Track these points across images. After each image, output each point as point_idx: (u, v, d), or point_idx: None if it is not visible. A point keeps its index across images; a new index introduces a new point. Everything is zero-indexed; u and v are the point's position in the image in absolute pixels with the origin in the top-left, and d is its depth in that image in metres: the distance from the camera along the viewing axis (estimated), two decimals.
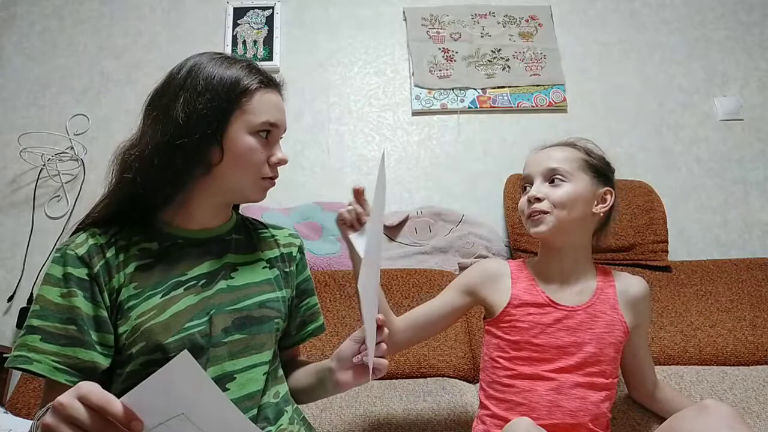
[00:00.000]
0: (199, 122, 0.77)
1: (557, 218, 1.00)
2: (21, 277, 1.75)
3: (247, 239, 0.91)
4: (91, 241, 0.78)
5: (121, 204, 0.81)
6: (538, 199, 1.01)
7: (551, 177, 1.02)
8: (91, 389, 0.52)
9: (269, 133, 0.83)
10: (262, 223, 0.98)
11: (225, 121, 0.79)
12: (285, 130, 0.88)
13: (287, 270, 0.93)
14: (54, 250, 0.78)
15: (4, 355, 1.62)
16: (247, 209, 1.50)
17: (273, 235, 0.96)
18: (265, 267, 0.89)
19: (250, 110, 0.80)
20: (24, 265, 1.76)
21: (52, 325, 0.72)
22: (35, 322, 0.72)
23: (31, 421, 1.15)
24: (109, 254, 0.77)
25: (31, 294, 1.72)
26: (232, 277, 0.84)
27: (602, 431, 0.98)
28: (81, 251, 0.76)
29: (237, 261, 0.86)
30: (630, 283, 1.06)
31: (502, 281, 1.06)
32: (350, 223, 0.90)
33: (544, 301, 1.01)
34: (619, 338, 1.01)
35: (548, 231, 1.00)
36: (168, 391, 0.52)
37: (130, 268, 0.78)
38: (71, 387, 0.66)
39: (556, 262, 1.05)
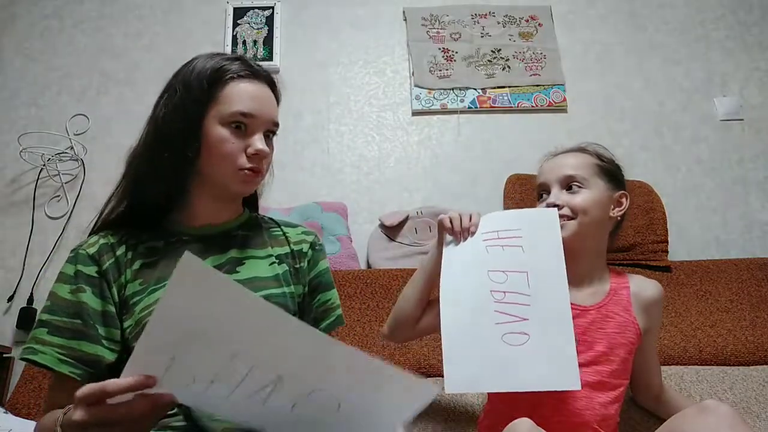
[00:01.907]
0: (176, 117, 0.80)
1: (579, 224, 1.01)
2: (21, 277, 1.75)
3: (255, 236, 0.91)
4: (102, 241, 0.81)
5: (128, 204, 0.84)
6: (558, 206, 1.02)
7: (568, 184, 1.03)
8: (83, 390, 0.53)
9: (245, 124, 0.81)
10: (275, 222, 0.98)
11: (200, 114, 0.80)
12: (273, 123, 0.85)
13: (297, 266, 0.92)
14: (69, 250, 0.82)
15: (4, 355, 1.62)
16: None
17: (284, 233, 0.95)
18: (273, 263, 0.89)
19: (222, 100, 0.80)
20: (24, 265, 1.76)
21: (59, 320, 0.74)
22: (44, 317, 0.75)
23: (30, 421, 1.15)
24: (119, 252, 0.80)
25: (31, 294, 1.72)
26: (237, 272, 0.84)
27: None
28: (92, 250, 0.80)
29: (242, 256, 0.87)
30: (644, 286, 1.06)
31: None
32: (453, 231, 1.00)
33: None
34: (630, 339, 1.00)
35: (569, 237, 1.00)
36: (179, 320, 0.49)
37: (136, 265, 0.80)
38: (75, 379, 0.71)
39: (572, 266, 1.04)
